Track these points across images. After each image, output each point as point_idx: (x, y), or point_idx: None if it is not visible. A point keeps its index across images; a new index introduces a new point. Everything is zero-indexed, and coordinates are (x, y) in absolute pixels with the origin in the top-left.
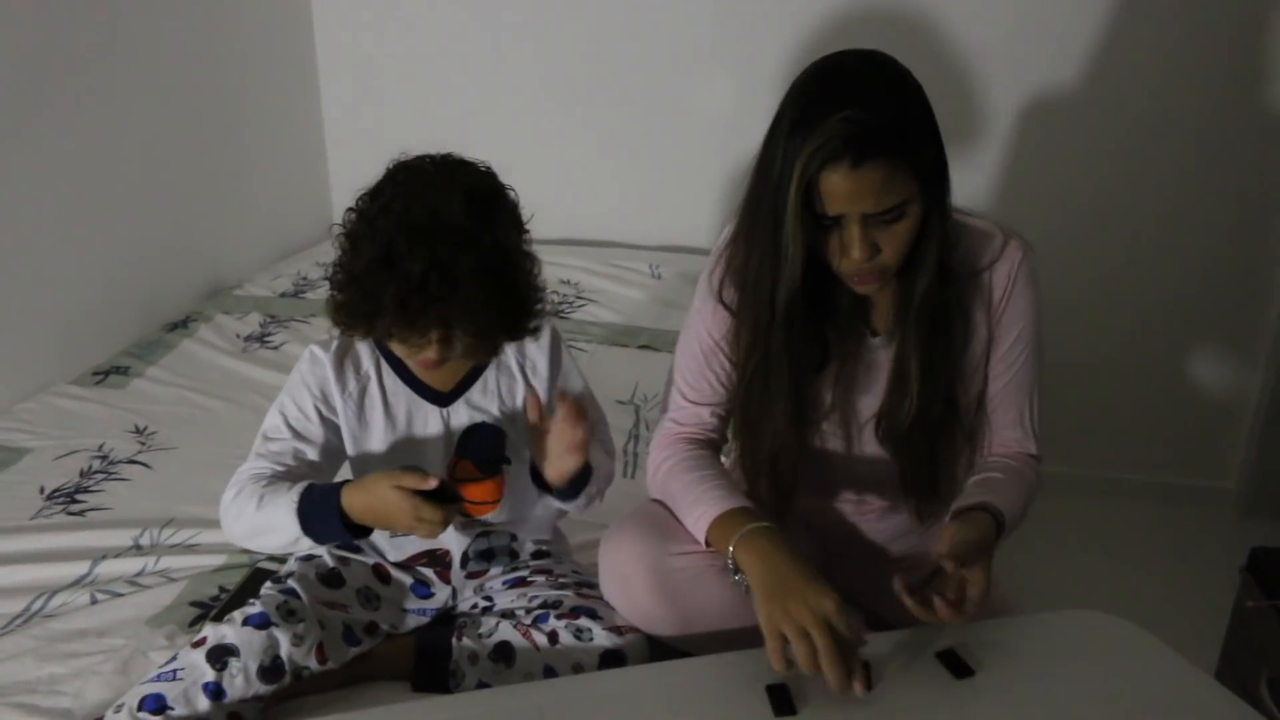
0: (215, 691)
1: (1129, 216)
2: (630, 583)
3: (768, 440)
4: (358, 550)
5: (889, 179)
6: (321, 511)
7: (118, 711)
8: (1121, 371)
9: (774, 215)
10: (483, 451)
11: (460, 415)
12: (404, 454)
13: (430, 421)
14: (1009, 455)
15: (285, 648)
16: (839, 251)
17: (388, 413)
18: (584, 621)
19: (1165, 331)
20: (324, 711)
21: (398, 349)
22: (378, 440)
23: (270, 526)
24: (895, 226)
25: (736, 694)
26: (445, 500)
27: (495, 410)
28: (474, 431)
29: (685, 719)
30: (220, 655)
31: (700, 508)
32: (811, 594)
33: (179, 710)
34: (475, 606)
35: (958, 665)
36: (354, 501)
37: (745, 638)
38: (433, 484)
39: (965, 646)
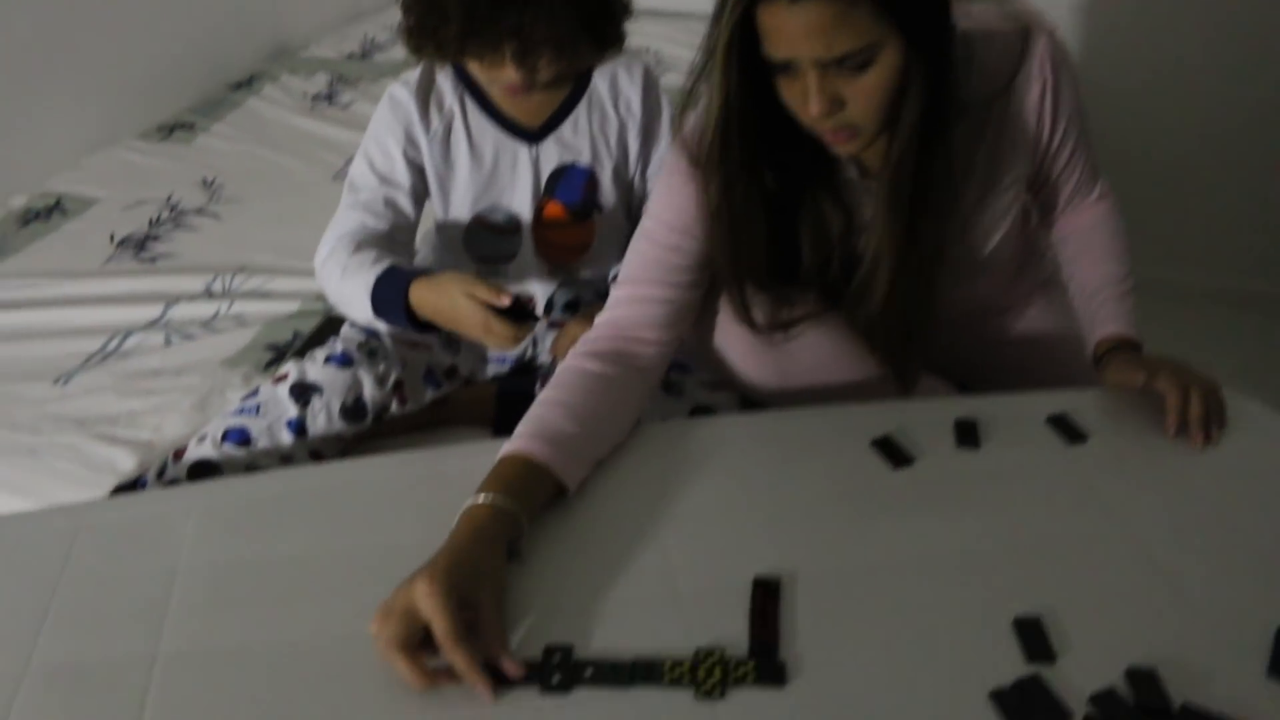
0: (298, 428)
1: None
2: (725, 336)
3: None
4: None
5: (840, 18)
6: (391, 300)
7: (200, 441)
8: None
9: (712, 54)
10: (572, 194)
11: (550, 154)
12: (491, 196)
13: (519, 160)
14: (1082, 228)
15: (368, 387)
16: (800, 103)
17: (473, 151)
18: (674, 375)
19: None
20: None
21: (479, 74)
22: (463, 181)
23: (349, 300)
24: (861, 78)
25: (846, 447)
26: (519, 318)
27: (587, 151)
28: (564, 173)
29: (793, 468)
30: (303, 392)
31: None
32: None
33: (262, 444)
34: (554, 361)
35: (1070, 430)
36: (424, 298)
37: (845, 396)
38: (505, 302)
39: (1078, 412)
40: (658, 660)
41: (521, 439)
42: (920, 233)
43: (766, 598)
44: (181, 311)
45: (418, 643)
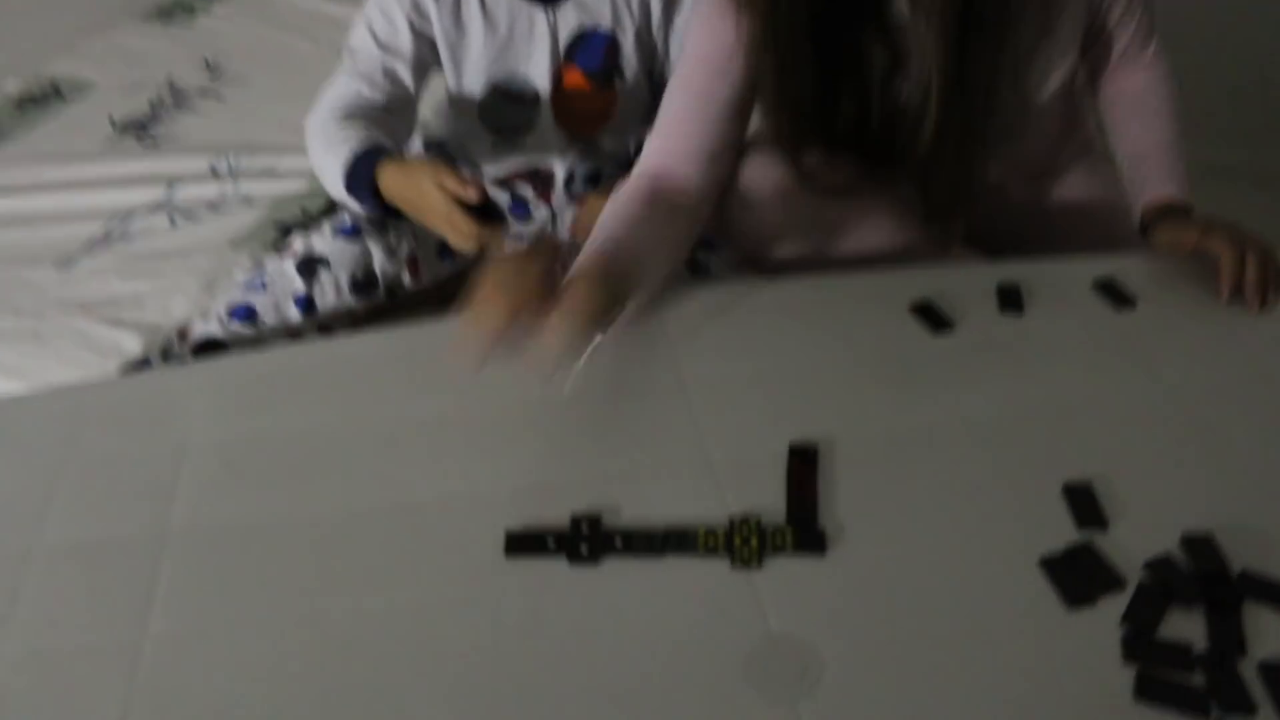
0: (306, 304)
1: None
2: (756, 199)
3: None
4: (452, 160)
5: None
6: (363, 180)
7: (206, 319)
8: None
9: None
10: (593, 60)
11: (568, 18)
12: (506, 64)
13: (535, 25)
14: (1132, 90)
15: (378, 259)
16: None
17: (486, 17)
18: (700, 255)
19: None
20: None
21: None
22: (476, 49)
23: (326, 174)
24: None
25: (883, 313)
26: (486, 217)
27: (608, 14)
28: (584, 38)
29: (829, 334)
30: (310, 266)
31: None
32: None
33: (269, 320)
34: (574, 237)
35: (1117, 295)
36: (393, 181)
37: (885, 258)
38: (472, 195)
39: (1126, 276)
40: (691, 529)
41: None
42: (970, 73)
43: (803, 465)
44: (185, 193)
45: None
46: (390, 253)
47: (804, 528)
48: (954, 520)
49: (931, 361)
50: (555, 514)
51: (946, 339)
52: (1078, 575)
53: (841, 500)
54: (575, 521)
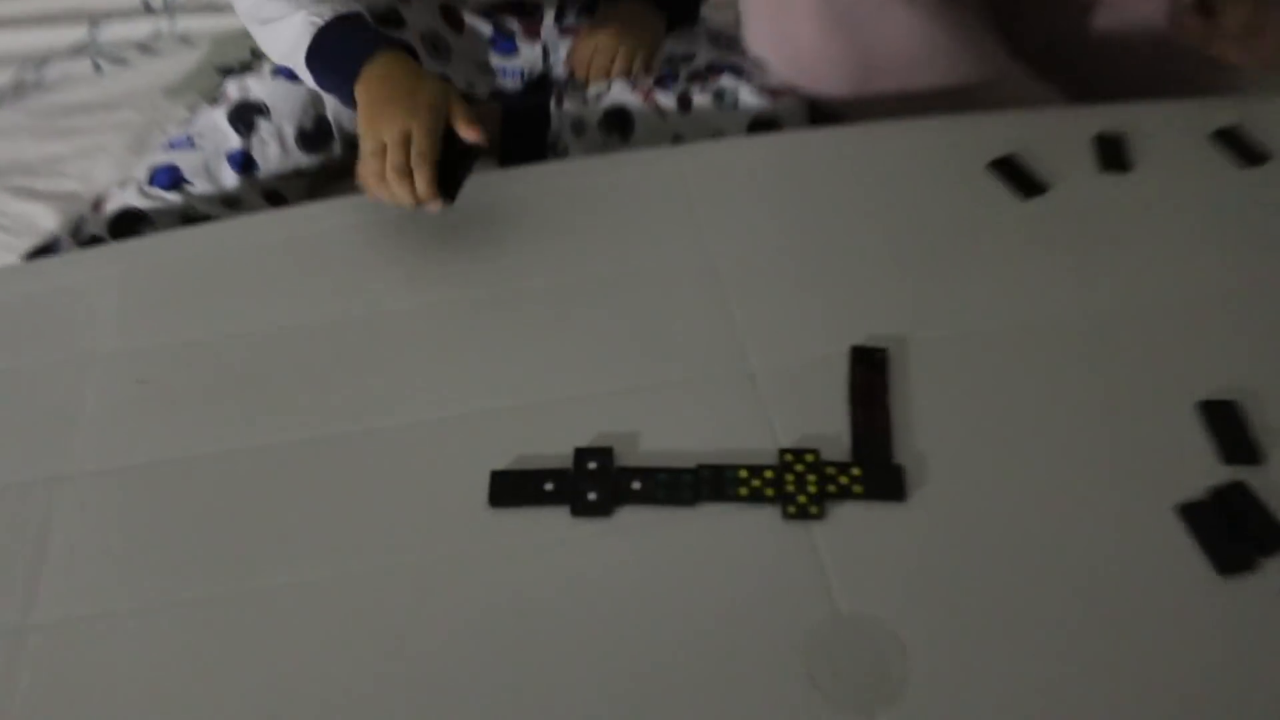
0: (243, 162)
1: None
2: (789, 13)
3: None
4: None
5: None
6: (338, 60)
7: (124, 187)
8: None
9: None
10: None
11: None
12: None
13: None
14: None
15: (331, 104)
16: None
17: None
18: (726, 81)
19: None
20: None
21: None
22: None
23: (275, 33)
24: None
25: (957, 171)
26: (451, 174)
27: None
28: None
29: (890, 199)
30: (245, 115)
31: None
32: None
33: (199, 186)
34: (572, 75)
35: (1244, 148)
36: (377, 90)
37: (948, 99)
38: (475, 137)
39: (1254, 125)
40: (729, 467)
41: None
42: None
43: (871, 375)
44: (112, 32)
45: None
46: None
47: (876, 465)
48: (1065, 452)
49: (1022, 235)
50: (555, 447)
51: (1037, 205)
52: (1227, 526)
53: (922, 423)
54: (580, 457)
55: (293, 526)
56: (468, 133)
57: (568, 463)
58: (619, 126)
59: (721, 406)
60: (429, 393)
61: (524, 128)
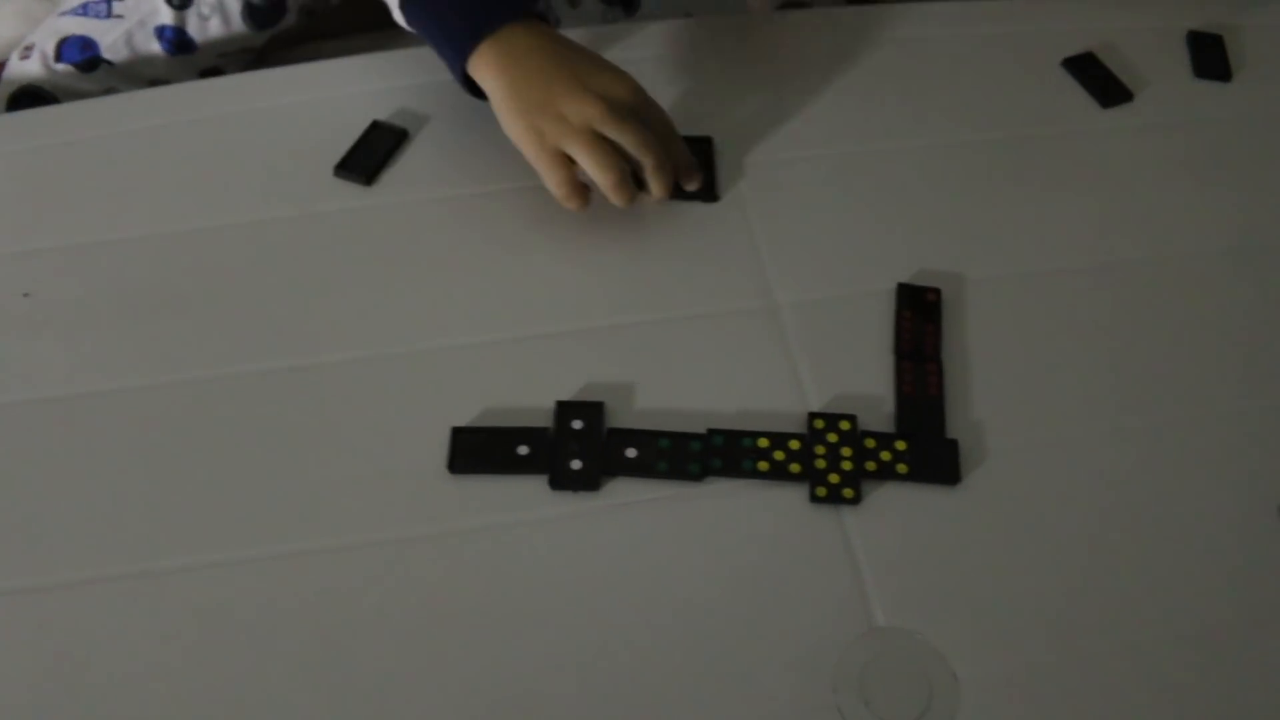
0: (177, 40)
1: None
2: None
3: None
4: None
5: None
6: (449, 24)
7: (26, 56)
8: None
9: None
10: None
11: None
12: None
13: None
14: None
15: None
16: None
17: None
18: None
19: None
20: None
21: None
22: None
23: None
24: None
25: (1025, 68)
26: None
27: None
28: None
29: (940, 101)
30: None
31: None
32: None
33: (121, 61)
34: None
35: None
36: (513, 77)
37: None
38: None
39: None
40: (747, 434)
41: None
42: None
43: (920, 322)
44: None
45: None
46: None
47: (925, 439)
48: (1152, 429)
49: (1103, 151)
50: (533, 398)
51: (1119, 115)
52: None
53: (980, 387)
54: (563, 413)
55: (201, 497)
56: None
57: (548, 419)
58: None
59: (740, 354)
60: (374, 322)
61: None
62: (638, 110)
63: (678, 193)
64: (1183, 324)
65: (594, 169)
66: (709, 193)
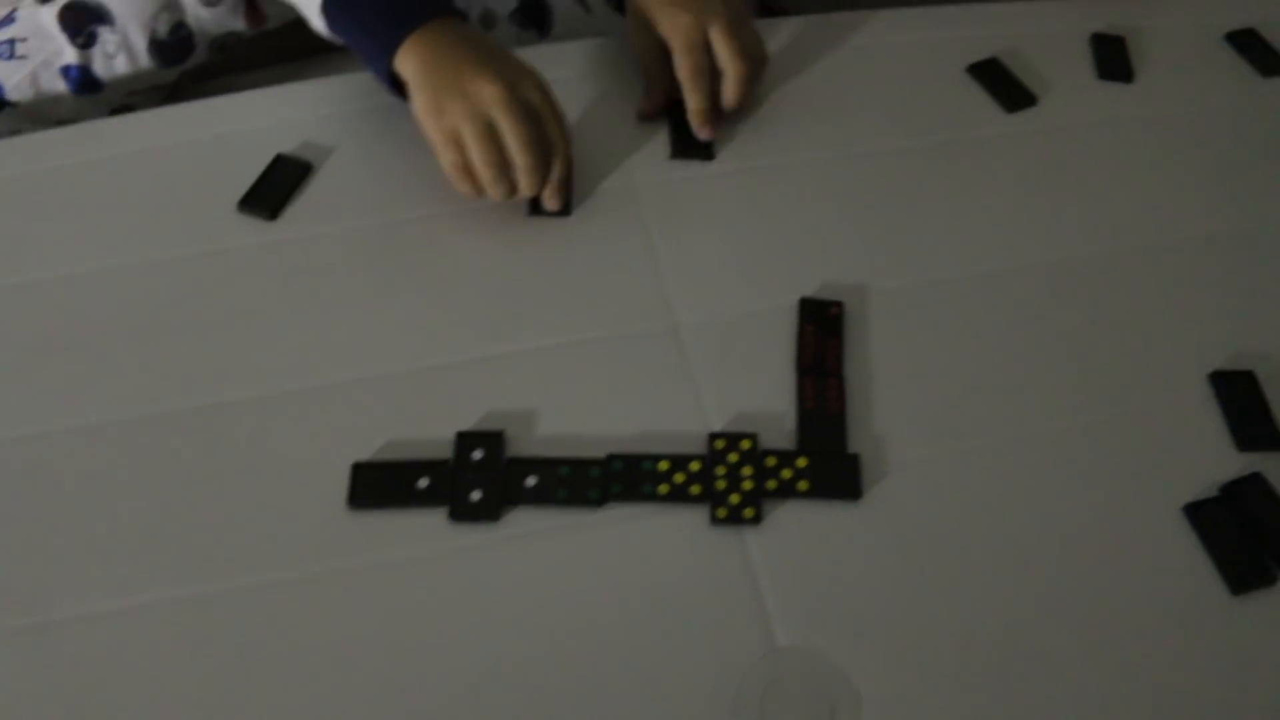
0: (83, 80)
1: None
2: None
3: None
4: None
5: None
6: (373, 25)
7: None
8: None
9: None
10: None
11: None
12: None
13: None
14: None
15: (191, 6)
16: None
17: None
18: None
19: None
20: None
21: None
22: None
23: None
24: None
25: (930, 75)
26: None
27: None
28: None
29: (848, 108)
30: (80, 20)
31: None
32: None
33: (27, 101)
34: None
35: (1262, 54)
36: (434, 76)
37: None
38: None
39: (1272, 27)
40: (647, 458)
41: None
42: None
43: (822, 336)
44: None
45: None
46: None
47: (826, 454)
48: (1051, 438)
49: (1004, 158)
50: (432, 430)
51: (1024, 120)
52: (1243, 536)
53: (882, 400)
54: (463, 444)
55: (102, 536)
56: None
57: (447, 451)
58: (536, 18)
59: (641, 376)
60: (276, 358)
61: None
62: (537, 110)
63: (536, 206)
64: (1083, 327)
65: (475, 156)
66: (565, 209)
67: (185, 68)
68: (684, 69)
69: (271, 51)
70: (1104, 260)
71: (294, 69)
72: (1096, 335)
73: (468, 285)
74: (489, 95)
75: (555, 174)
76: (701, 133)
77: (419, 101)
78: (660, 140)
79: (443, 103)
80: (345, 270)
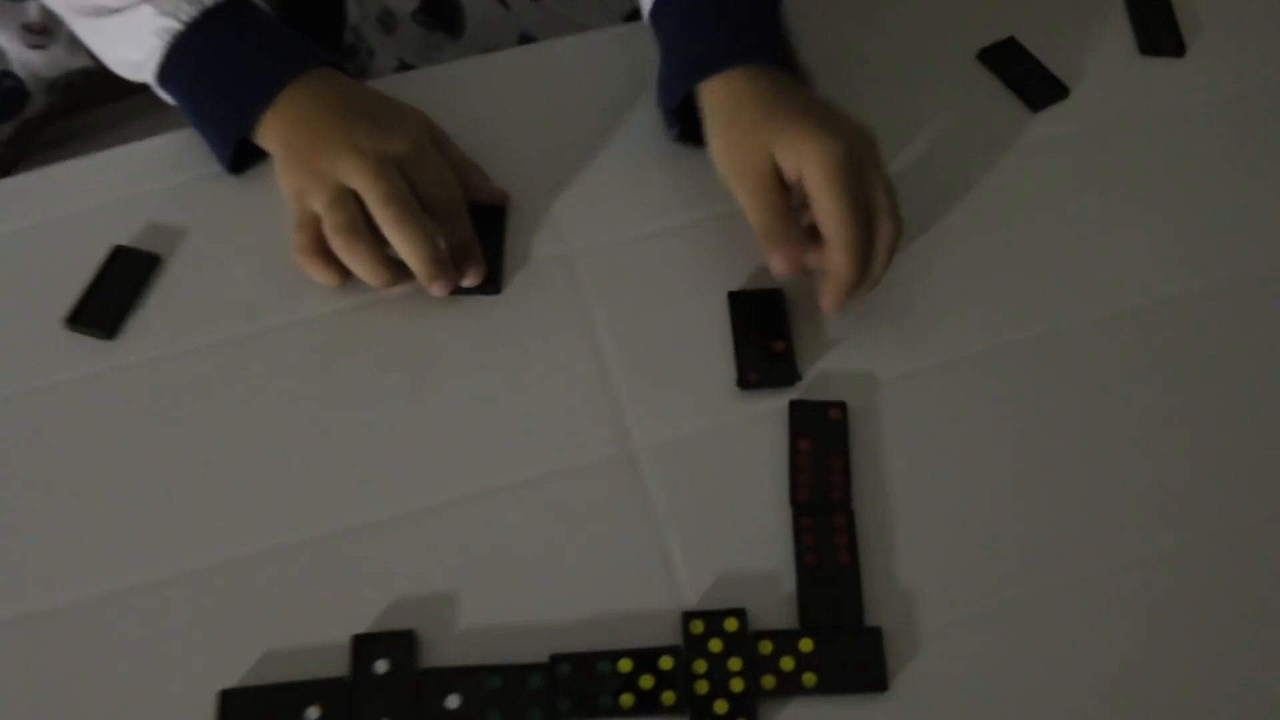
0: None
1: None
2: None
3: None
4: None
5: None
6: (221, 88)
7: None
8: None
9: None
10: None
11: None
12: None
13: None
14: None
15: (17, 52)
16: None
17: None
18: None
19: None
20: (115, 132)
21: None
22: None
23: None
24: None
25: (934, 61)
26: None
27: None
28: None
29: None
30: None
31: None
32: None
33: None
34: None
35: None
36: (303, 140)
37: None
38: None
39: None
40: (601, 656)
41: None
42: None
43: (823, 452)
44: None
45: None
46: (34, 30)
47: (837, 630)
48: (1142, 569)
49: (1034, 172)
50: (321, 633)
51: (1053, 117)
52: None
53: (906, 544)
54: (362, 652)
55: None
56: (489, 190)
57: (342, 662)
58: (445, 17)
59: (589, 531)
60: (111, 541)
61: (307, 21)
62: (411, 170)
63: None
64: (1174, 402)
65: (327, 229)
66: (491, 284)
67: (21, 119)
68: (835, 215)
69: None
70: (1186, 305)
71: (141, 104)
72: (1196, 412)
73: (355, 416)
74: (343, 170)
75: (460, 243)
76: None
77: (281, 183)
78: (593, 177)
79: (301, 182)
80: (201, 403)
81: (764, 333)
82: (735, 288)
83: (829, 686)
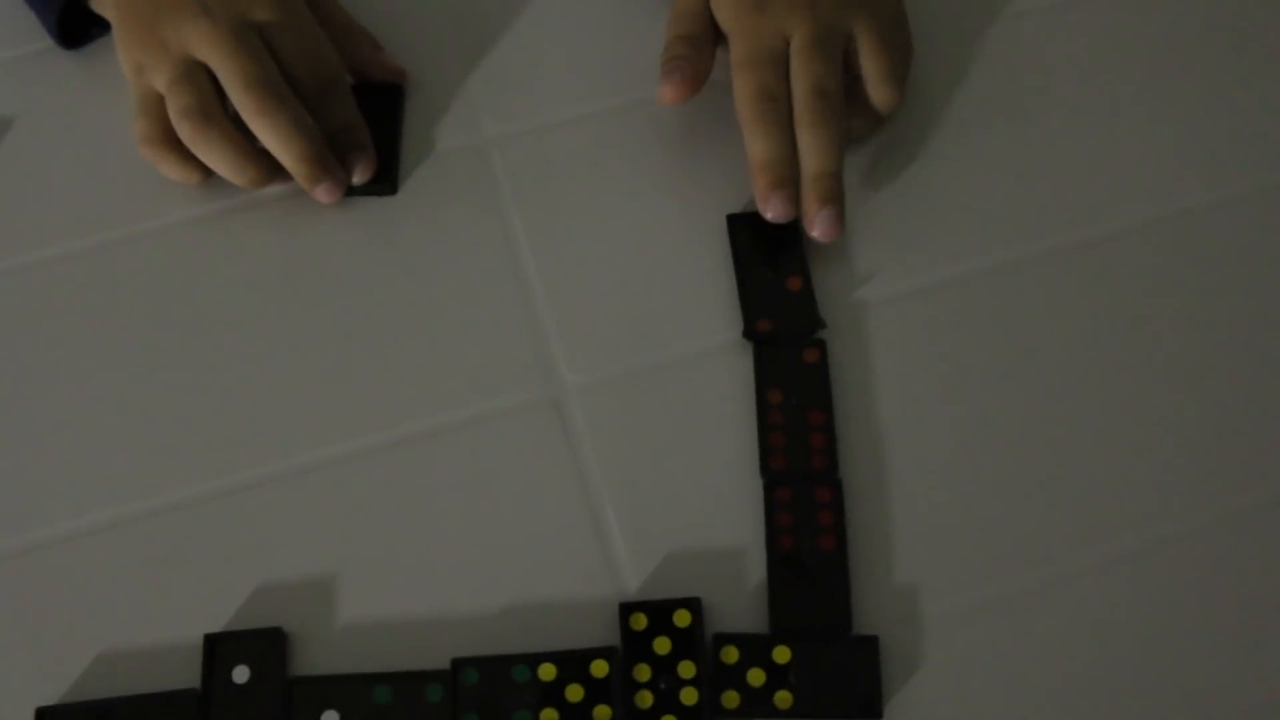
0: None
1: None
2: None
3: None
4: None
5: None
6: None
7: None
8: None
9: None
10: None
11: None
12: None
13: None
14: None
15: None
16: None
17: None
18: None
19: None
20: None
21: None
22: None
23: None
24: None
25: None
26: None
27: None
28: None
29: None
30: None
31: None
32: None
33: None
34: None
35: None
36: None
37: None
38: (393, 71)
39: None
40: (515, 660)
41: None
42: None
43: (799, 407)
44: None
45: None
46: None
47: (820, 637)
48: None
49: (1056, 48)
50: (168, 630)
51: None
52: None
53: (903, 521)
54: (216, 656)
55: None
56: (381, 63)
57: (192, 669)
58: None
59: (504, 490)
60: None
61: None
62: (273, 37)
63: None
64: (1215, 334)
65: (171, 113)
66: (384, 181)
67: None
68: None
69: None
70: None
71: None
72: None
73: (223, 348)
74: (190, 39)
75: (340, 130)
76: (828, 232)
77: (120, 58)
78: (505, 57)
79: (140, 58)
80: (22, 339)
81: (774, 268)
82: (687, 177)
83: (808, 709)
